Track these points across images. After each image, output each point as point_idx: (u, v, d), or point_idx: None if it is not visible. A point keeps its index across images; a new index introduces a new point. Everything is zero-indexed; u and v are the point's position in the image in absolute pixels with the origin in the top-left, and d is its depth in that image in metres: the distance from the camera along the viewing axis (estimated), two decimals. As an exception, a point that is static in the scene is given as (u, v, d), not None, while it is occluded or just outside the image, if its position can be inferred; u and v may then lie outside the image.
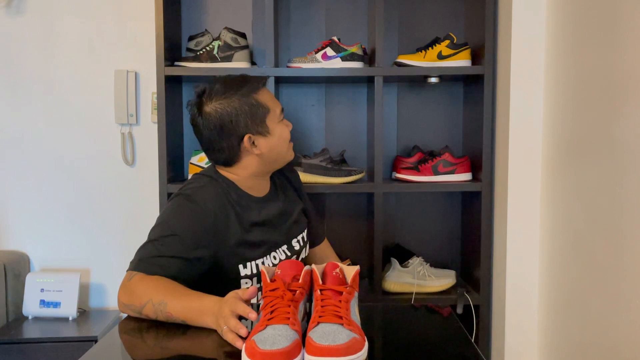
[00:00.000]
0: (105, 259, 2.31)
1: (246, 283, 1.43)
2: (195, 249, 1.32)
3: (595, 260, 1.52)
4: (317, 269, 1.08)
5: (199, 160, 2.09)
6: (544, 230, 1.86)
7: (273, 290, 1.04)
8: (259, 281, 1.45)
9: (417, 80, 2.20)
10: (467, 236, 2.27)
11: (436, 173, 2.09)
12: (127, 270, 1.29)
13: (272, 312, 1.01)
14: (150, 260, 1.28)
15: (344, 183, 2.06)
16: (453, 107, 2.30)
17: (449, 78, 2.17)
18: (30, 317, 2.16)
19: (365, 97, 2.29)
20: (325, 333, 0.95)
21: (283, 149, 1.47)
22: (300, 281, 1.06)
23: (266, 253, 1.47)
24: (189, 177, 2.11)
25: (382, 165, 2.05)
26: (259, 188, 1.50)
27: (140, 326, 1.21)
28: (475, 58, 2.07)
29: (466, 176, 2.11)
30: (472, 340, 1.09)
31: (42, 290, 2.15)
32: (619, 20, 1.42)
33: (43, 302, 2.14)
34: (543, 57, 1.85)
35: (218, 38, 2.04)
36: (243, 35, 2.07)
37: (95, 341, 1.98)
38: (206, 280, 1.37)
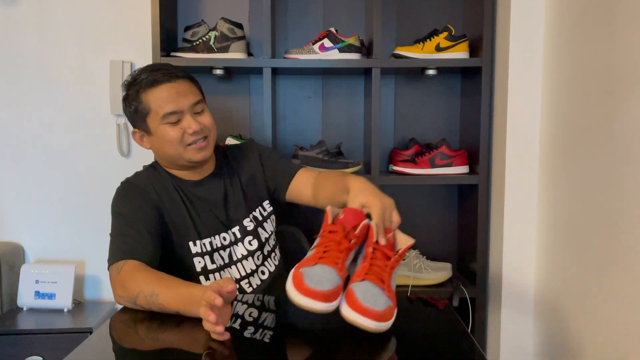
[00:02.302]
0: (101, 251, 2.26)
1: (199, 262, 1.44)
2: (149, 219, 1.38)
3: (592, 253, 1.52)
4: (374, 227, 1.12)
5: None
6: (540, 223, 1.85)
7: (332, 232, 1.11)
8: (212, 261, 1.46)
9: (415, 72, 2.19)
10: (463, 229, 2.26)
11: (433, 166, 2.08)
12: (108, 269, 1.34)
13: (324, 252, 1.08)
14: (121, 249, 1.34)
15: (340, 175, 2.05)
16: (450, 100, 2.30)
17: (447, 70, 2.16)
18: (25, 309, 2.15)
19: (363, 89, 2.28)
20: (367, 292, 1.02)
21: (169, 150, 1.43)
22: (357, 232, 1.11)
23: (214, 233, 1.47)
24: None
25: (379, 157, 2.04)
26: (192, 173, 1.51)
27: (135, 318, 1.20)
28: (473, 50, 2.05)
29: (463, 169, 2.11)
30: (469, 332, 1.09)
31: (37, 281, 2.14)
32: (617, 13, 1.41)
33: (38, 294, 2.14)
34: (541, 50, 1.84)
35: (215, 28, 2.02)
36: (240, 26, 2.05)
37: (91, 332, 1.97)
38: (161, 262, 1.40)
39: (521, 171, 1.88)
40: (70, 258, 2.29)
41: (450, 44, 2.02)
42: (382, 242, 1.12)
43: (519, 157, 1.88)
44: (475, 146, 2.07)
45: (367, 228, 1.14)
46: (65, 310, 2.14)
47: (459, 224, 2.32)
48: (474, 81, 2.09)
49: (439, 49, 2.02)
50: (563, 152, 1.70)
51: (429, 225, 2.34)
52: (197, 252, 1.44)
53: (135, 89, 1.42)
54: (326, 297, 1.01)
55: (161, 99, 1.40)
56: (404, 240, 1.18)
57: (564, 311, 1.69)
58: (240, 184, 1.56)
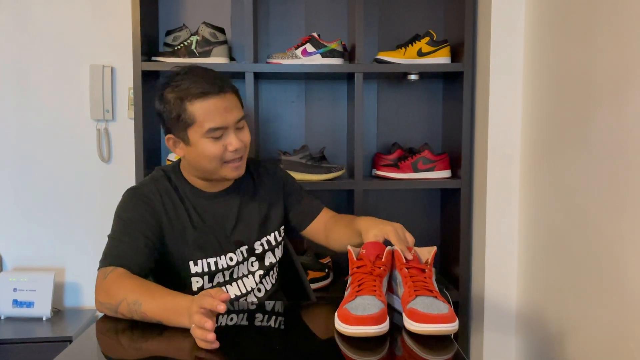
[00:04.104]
0: (81, 258, 2.26)
1: (197, 282, 1.41)
2: (148, 231, 1.35)
3: (573, 257, 1.54)
4: (398, 247, 1.22)
5: (177, 157, 2.06)
6: (522, 226, 1.87)
7: (360, 267, 1.19)
8: (210, 280, 1.42)
9: (397, 77, 2.20)
10: (446, 233, 2.28)
11: (416, 170, 2.09)
12: (97, 270, 1.30)
13: (359, 285, 1.15)
14: (113, 253, 1.31)
15: (324, 180, 2.05)
16: (432, 104, 2.31)
17: (429, 75, 2.17)
18: (2, 318, 2.11)
19: (345, 93, 2.28)
20: (426, 304, 1.09)
21: (205, 164, 1.37)
22: (383, 259, 1.20)
23: (221, 253, 1.43)
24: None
25: (362, 162, 2.04)
26: (212, 185, 1.46)
27: (116, 327, 1.18)
28: (455, 55, 2.07)
29: (445, 173, 2.12)
30: (452, 337, 1.10)
31: (15, 289, 2.10)
32: (596, 19, 1.43)
33: (16, 302, 2.10)
34: (522, 55, 1.86)
35: (196, 33, 2.01)
36: (222, 31, 2.04)
37: (70, 341, 1.94)
38: (158, 278, 1.38)
39: (503, 175, 1.90)
40: (49, 265, 2.25)
41: (432, 49, 2.03)
42: (409, 257, 1.20)
43: (501, 161, 1.90)
44: (457, 150, 2.08)
45: (391, 254, 1.23)
46: (44, 318, 2.10)
47: (442, 228, 2.33)
48: (455, 86, 2.10)
49: (420, 54, 2.03)
50: (544, 155, 1.72)
51: (411, 229, 2.29)
52: (196, 272, 1.40)
53: (179, 96, 1.34)
54: (376, 319, 1.05)
55: (209, 112, 1.33)
56: (425, 252, 1.27)
57: (545, 314, 1.71)
58: (259, 205, 1.51)
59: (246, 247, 1.47)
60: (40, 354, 1.91)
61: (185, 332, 1.08)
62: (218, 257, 1.42)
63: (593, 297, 1.44)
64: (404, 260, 1.19)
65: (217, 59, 2.00)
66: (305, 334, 1.19)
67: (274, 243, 1.52)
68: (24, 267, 2.25)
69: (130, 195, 1.40)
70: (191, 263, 1.40)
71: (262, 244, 1.50)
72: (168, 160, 2.08)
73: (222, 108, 1.34)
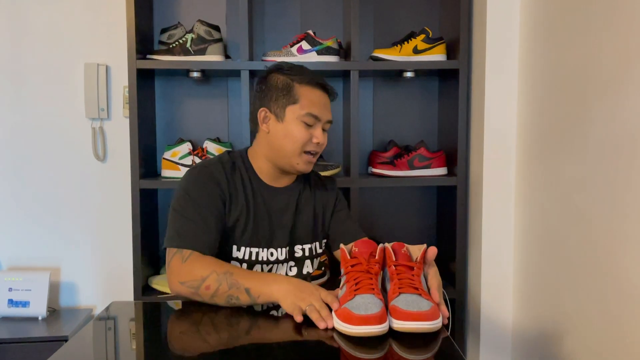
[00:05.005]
0: (76, 257, 2.26)
1: (236, 265, 1.44)
2: (217, 212, 1.39)
3: (569, 254, 1.54)
4: (389, 247, 1.22)
5: (172, 156, 2.05)
6: (518, 224, 1.87)
7: (354, 265, 1.18)
8: (249, 269, 1.45)
9: (393, 74, 2.20)
10: (442, 230, 2.28)
11: (412, 168, 2.09)
12: (166, 248, 1.34)
13: (357, 284, 1.14)
14: (187, 235, 1.33)
15: (320, 178, 2.05)
16: (428, 102, 2.31)
17: (425, 72, 2.17)
18: (-3, 317, 2.10)
19: (341, 91, 2.28)
20: (408, 301, 1.08)
21: (287, 144, 1.43)
22: (376, 257, 1.20)
23: (265, 245, 1.47)
24: (162, 173, 2.08)
25: (358, 160, 2.04)
26: (275, 178, 1.51)
27: (111, 326, 1.18)
28: (451, 52, 2.07)
29: (441, 171, 2.12)
30: (448, 333, 1.10)
31: (10, 289, 2.09)
32: (592, 16, 1.43)
33: (11, 302, 2.09)
34: (517, 52, 1.86)
35: (191, 31, 2.00)
36: (217, 28, 2.03)
37: (66, 341, 1.93)
38: None
39: (498, 172, 1.90)
40: (44, 265, 2.25)
41: (427, 46, 2.03)
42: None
43: (497, 158, 1.90)
44: (453, 148, 2.08)
45: (383, 251, 1.23)
46: (40, 318, 2.09)
47: (438, 225, 2.33)
48: (451, 83, 2.10)
49: (416, 51, 2.03)
50: (539, 152, 1.72)
51: (408, 226, 2.35)
52: (236, 257, 1.44)
53: (290, 77, 1.44)
54: (379, 318, 1.05)
55: (313, 99, 1.44)
56: (416, 250, 1.26)
57: (541, 311, 1.71)
58: (312, 212, 1.56)
59: (287, 248, 1.50)
60: (35, 353, 1.91)
61: (180, 332, 1.07)
62: (260, 249, 1.46)
63: (589, 293, 1.44)
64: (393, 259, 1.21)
65: (212, 57, 1.99)
66: (302, 330, 1.19)
67: (314, 252, 1.56)
68: (19, 267, 2.24)
69: (200, 174, 1.43)
70: (234, 247, 1.44)
71: (302, 249, 1.53)
72: (164, 158, 2.07)
73: (323, 103, 1.47)
